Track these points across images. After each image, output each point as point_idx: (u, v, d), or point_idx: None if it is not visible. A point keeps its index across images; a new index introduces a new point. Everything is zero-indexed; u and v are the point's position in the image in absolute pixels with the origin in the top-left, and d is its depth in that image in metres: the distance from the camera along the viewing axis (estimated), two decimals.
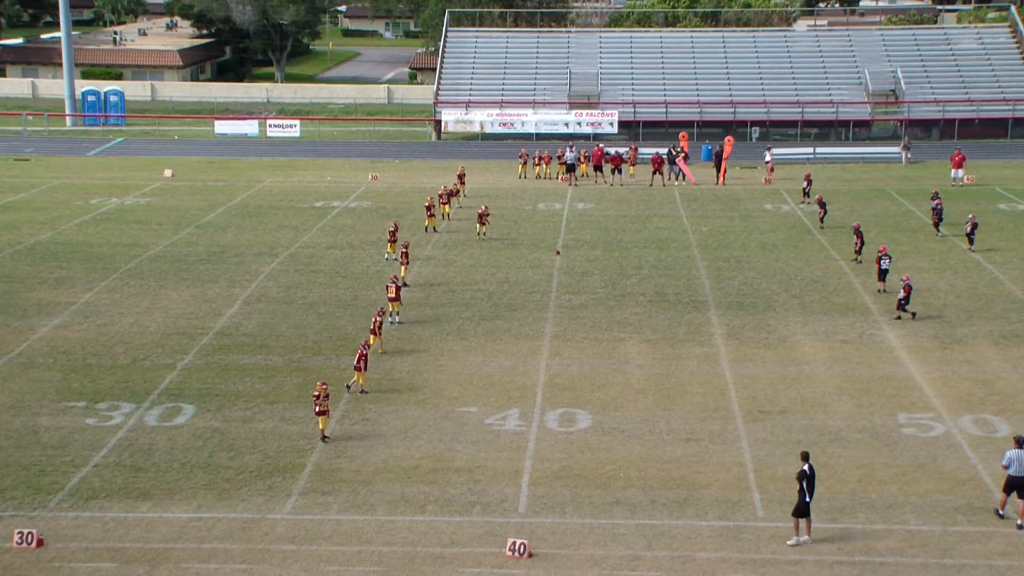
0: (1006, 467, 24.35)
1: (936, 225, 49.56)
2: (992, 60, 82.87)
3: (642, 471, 26.65)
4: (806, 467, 23.42)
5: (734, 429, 29.05)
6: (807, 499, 23.23)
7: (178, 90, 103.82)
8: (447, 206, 52.70)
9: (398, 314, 37.28)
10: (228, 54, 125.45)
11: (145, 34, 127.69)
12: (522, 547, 22.75)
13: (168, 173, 65.09)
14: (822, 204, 51.44)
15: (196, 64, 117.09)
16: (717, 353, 34.69)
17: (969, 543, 23.39)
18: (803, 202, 56.26)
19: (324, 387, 28.30)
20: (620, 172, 62.49)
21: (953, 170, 61.37)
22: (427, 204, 50.69)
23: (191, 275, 43.39)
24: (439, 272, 43.82)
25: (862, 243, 44.74)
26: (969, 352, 34.72)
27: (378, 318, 34.14)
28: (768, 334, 36.41)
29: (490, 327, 37.05)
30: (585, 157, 63.93)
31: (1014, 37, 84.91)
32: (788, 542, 23.34)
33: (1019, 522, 24.24)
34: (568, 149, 63.90)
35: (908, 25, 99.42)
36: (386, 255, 45.26)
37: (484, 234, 48.80)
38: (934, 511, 24.71)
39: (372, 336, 33.81)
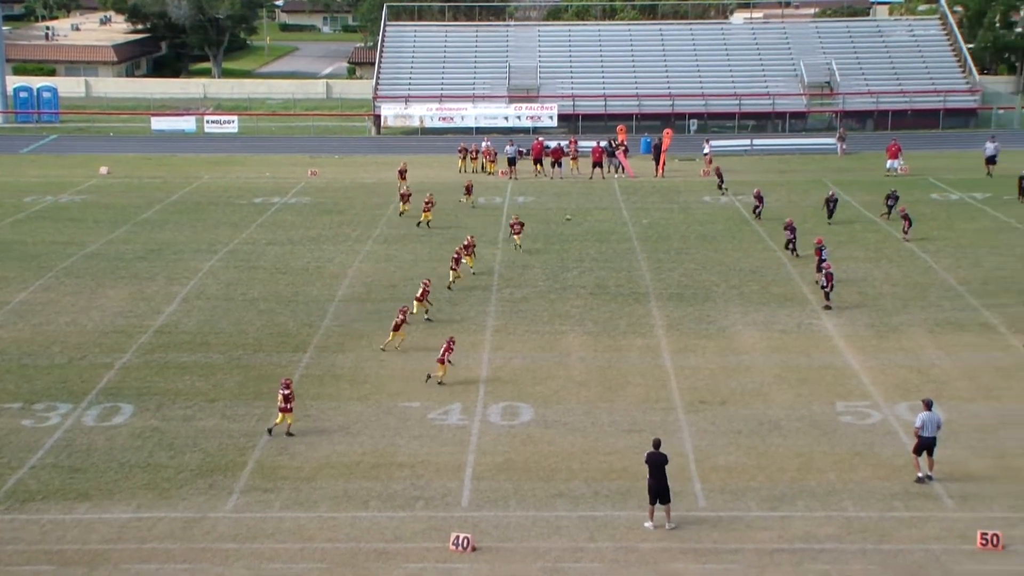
0: (919, 428, 25.52)
1: (830, 213, 50.62)
2: (923, 52, 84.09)
3: (584, 463, 26.76)
4: (647, 453, 23.99)
5: (675, 420, 29.26)
6: (654, 483, 23.62)
7: (113, 86, 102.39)
8: (406, 205, 52.30)
9: (427, 311, 37.00)
10: (164, 49, 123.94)
11: (78, 29, 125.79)
12: (465, 541, 22.77)
13: (104, 170, 64.28)
14: (759, 198, 51.83)
15: (131, 60, 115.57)
16: (658, 344, 34.91)
17: (906, 528, 23.76)
18: (722, 193, 56.71)
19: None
20: (560, 165, 62.70)
21: (888, 160, 62.31)
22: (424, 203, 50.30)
23: (129, 273, 42.90)
24: (380, 267, 43.68)
25: (795, 238, 44.87)
26: (904, 340, 35.22)
27: (400, 316, 34.18)
28: (708, 325, 36.70)
29: (432, 322, 36.98)
30: (520, 153, 63.63)
31: (944, 29, 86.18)
32: (645, 524, 23.72)
33: (928, 474, 25.52)
34: (509, 144, 63.98)
35: (841, 17, 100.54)
36: (472, 269, 42.48)
37: (519, 245, 46.20)
38: (872, 497, 25.06)
39: (392, 333, 33.98)
